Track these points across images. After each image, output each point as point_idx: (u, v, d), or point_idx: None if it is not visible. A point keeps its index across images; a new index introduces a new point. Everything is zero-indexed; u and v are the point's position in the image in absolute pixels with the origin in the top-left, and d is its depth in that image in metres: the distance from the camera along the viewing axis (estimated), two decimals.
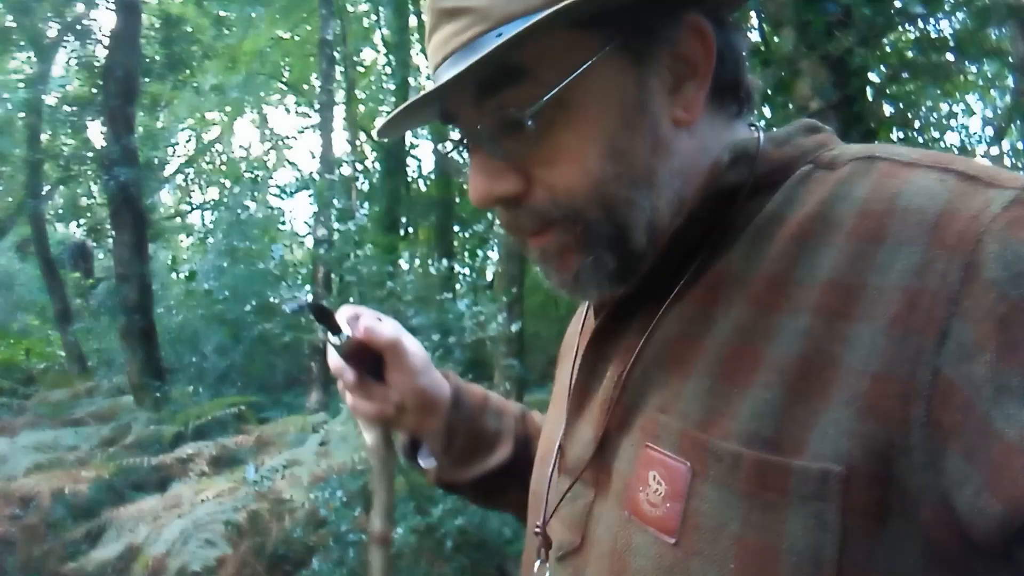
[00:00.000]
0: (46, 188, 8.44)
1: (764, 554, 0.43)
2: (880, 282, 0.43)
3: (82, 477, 3.04)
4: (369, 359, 0.73)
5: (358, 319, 0.74)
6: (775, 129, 0.57)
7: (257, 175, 9.14)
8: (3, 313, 9.65)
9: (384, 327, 0.73)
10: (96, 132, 7.48)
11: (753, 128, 0.58)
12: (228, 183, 9.45)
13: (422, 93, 0.51)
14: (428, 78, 0.54)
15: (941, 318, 0.40)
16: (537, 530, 0.61)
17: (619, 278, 0.54)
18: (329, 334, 0.71)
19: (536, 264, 0.58)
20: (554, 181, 0.52)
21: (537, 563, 0.61)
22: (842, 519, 0.41)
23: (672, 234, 0.53)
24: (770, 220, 0.51)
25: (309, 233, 7.30)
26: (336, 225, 5.88)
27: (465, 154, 0.59)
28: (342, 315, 0.73)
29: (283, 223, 8.01)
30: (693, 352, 0.50)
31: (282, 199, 7.07)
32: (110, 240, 6.98)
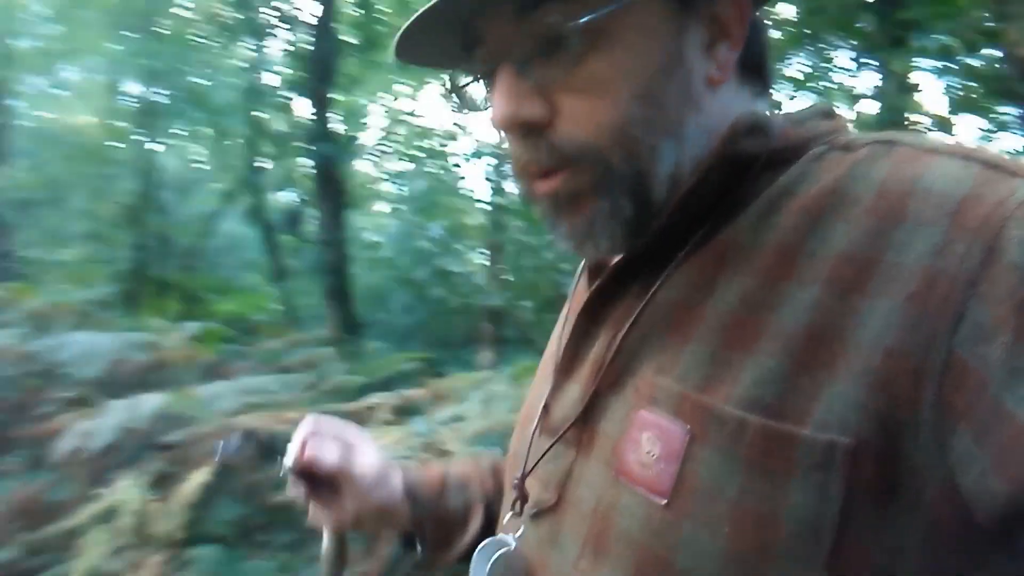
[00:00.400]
0: (263, 162, 9.54)
1: (761, 521, 0.43)
2: (897, 259, 0.43)
3: (286, 418, 3.49)
4: (322, 476, 0.75)
5: (315, 435, 0.75)
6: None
7: (440, 145, 9.64)
8: (231, 271, 11.11)
9: (328, 453, 0.73)
10: (302, 111, 8.32)
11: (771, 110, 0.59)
12: (416, 153, 10.05)
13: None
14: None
15: (958, 299, 0.40)
16: (515, 482, 0.60)
17: (633, 229, 0.53)
18: (280, 458, 0.73)
19: (543, 214, 0.57)
20: (582, 113, 0.51)
21: (509, 514, 0.61)
22: (845, 491, 0.41)
23: (683, 195, 0.52)
24: (782, 193, 0.51)
25: (483, 201, 7.62)
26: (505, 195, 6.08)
27: (479, 89, 0.58)
28: (300, 432, 0.75)
29: (463, 191, 8.39)
30: (694, 318, 0.50)
31: (460, 167, 7.40)
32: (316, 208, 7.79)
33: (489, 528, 0.83)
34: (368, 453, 0.78)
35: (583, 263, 0.70)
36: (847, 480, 0.41)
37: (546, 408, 0.62)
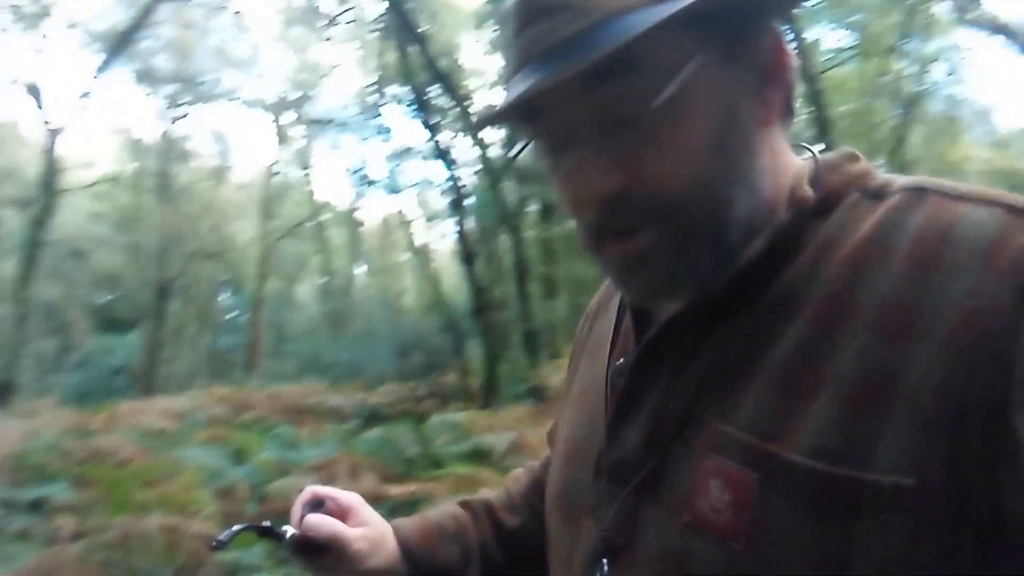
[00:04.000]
0: None
1: (837, 561, 0.44)
2: (936, 304, 0.45)
3: None
4: (320, 546, 0.77)
5: (314, 505, 0.79)
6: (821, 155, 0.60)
7: None
8: None
9: (324, 523, 0.76)
10: None
11: (804, 150, 0.61)
12: None
13: (526, 88, 0.50)
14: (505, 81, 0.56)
15: (994, 340, 0.43)
16: (604, 533, 0.59)
17: (712, 278, 0.55)
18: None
19: (613, 273, 0.58)
20: (661, 174, 0.52)
21: (604, 563, 0.58)
22: (912, 530, 0.43)
23: (761, 248, 0.54)
24: (827, 243, 0.53)
25: None
26: None
27: (537, 156, 0.58)
28: (300, 500, 0.80)
29: None
30: (754, 367, 0.52)
31: None
32: None
33: (490, 570, 0.86)
34: (365, 517, 0.81)
35: (614, 299, 0.73)
36: (914, 520, 0.43)
37: (599, 452, 0.63)
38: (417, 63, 10.88)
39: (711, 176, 0.53)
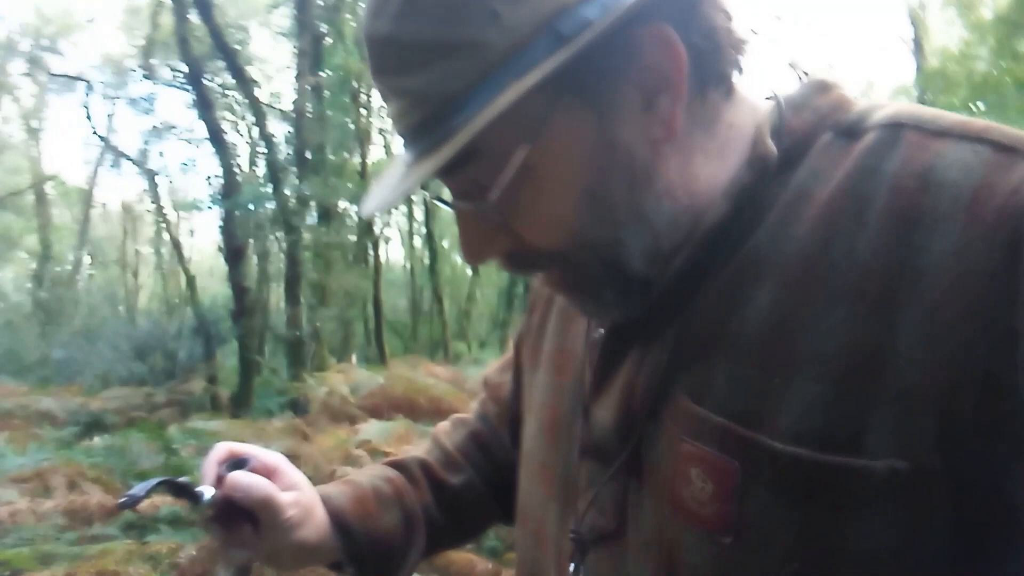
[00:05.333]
0: None
1: (828, 553, 0.43)
2: (918, 263, 0.42)
3: None
4: (241, 509, 0.66)
5: (232, 463, 0.68)
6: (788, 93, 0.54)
7: None
8: None
9: (254, 484, 0.65)
10: None
11: (768, 97, 0.55)
12: None
13: (390, 188, 0.52)
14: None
15: (987, 304, 0.39)
16: (596, 518, 0.57)
17: (627, 305, 0.54)
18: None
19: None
20: (535, 237, 0.51)
21: (591, 548, 0.57)
22: (907, 515, 0.41)
23: (707, 230, 0.51)
24: (797, 197, 0.49)
25: None
26: None
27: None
28: (214, 458, 0.68)
29: None
30: (724, 338, 0.49)
31: None
32: None
33: (434, 534, 0.79)
34: (294, 480, 0.70)
35: None
36: (910, 506, 0.41)
37: (578, 430, 0.60)
38: (197, 33, 9.81)
39: (589, 227, 0.50)
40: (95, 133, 16.25)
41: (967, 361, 0.39)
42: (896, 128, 0.47)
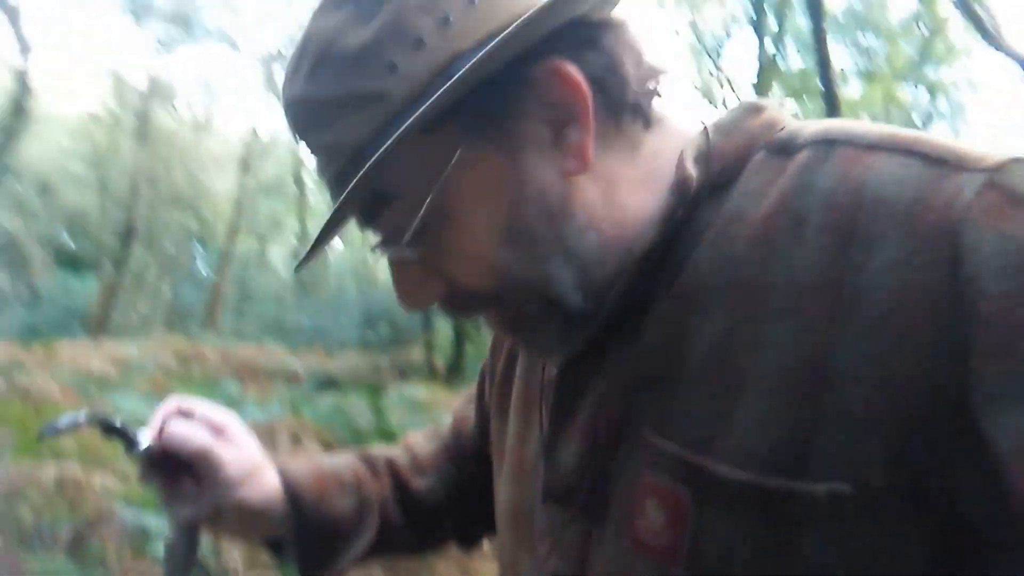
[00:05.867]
0: None
1: None
2: (857, 281, 0.41)
3: None
4: (182, 462, 0.65)
5: (178, 415, 0.67)
6: (718, 118, 0.54)
7: None
8: None
9: (193, 434, 0.65)
10: None
11: (699, 123, 0.54)
12: None
13: (312, 241, 0.53)
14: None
15: (931, 320, 0.38)
16: (558, 562, 0.56)
17: (568, 340, 0.54)
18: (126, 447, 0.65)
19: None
20: (464, 279, 0.52)
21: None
22: (859, 536, 0.40)
23: (637, 260, 0.51)
24: (732, 219, 0.49)
25: None
26: None
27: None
28: (160, 411, 0.67)
29: None
30: (675, 368, 0.48)
31: None
32: None
33: (385, 532, 0.78)
34: (240, 440, 0.70)
35: None
36: (857, 527, 0.40)
37: (541, 471, 0.59)
38: None
39: (514, 266, 0.50)
40: None
41: (913, 378, 0.38)
42: (828, 144, 0.47)
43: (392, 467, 0.83)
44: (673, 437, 0.47)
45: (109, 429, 0.64)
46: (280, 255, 26.68)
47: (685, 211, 0.50)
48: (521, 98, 0.49)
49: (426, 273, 0.53)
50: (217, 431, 0.69)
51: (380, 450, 0.86)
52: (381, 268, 22.36)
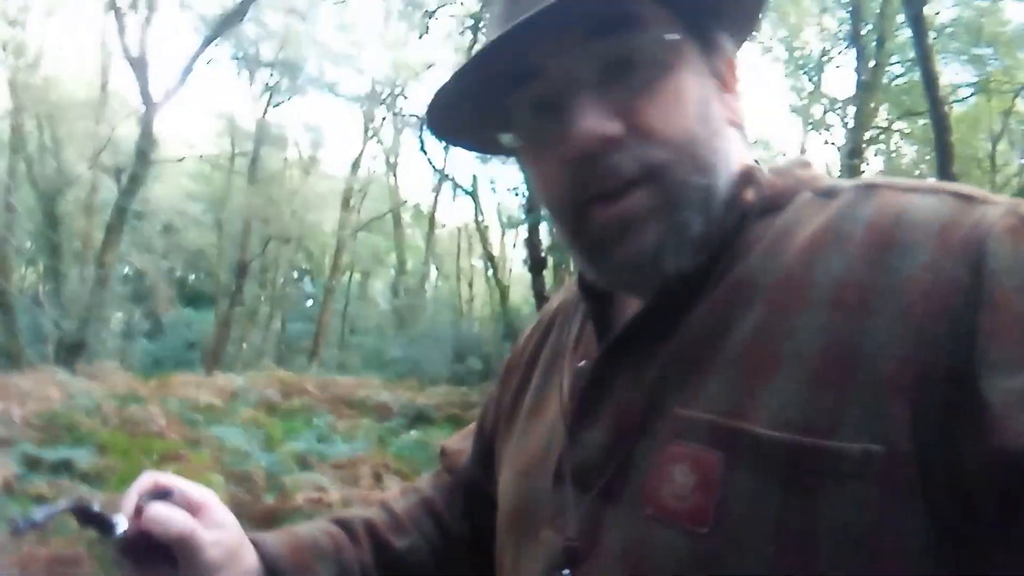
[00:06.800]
0: None
1: (803, 536, 0.44)
2: (892, 280, 0.46)
3: None
4: (158, 545, 0.62)
5: (155, 495, 0.64)
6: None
7: None
8: None
9: (172, 518, 0.62)
10: None
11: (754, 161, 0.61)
12: None
13: (534, 12, 0.50)
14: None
15: (954, 312, 0.43)
16: (566, 541, 0.57)
17: (696, 249, 0.55)
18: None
19: (593, 248, 0.57)
20: (657, 126, 0.53)
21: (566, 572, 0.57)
22: (880, 497, 0.42)
23: (700, 246, 0.55)
24: (781, 235, 0.54)
25: None
26: None
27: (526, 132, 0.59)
28: (134, 491, 0.64)
29: None
30: (714, 353, 0.52)
31: None
32: None
33: None
34: (220, 519, 0.68)
35: (574, 312, 0.72)
36: (881, 486, 0.42)
37: (559, 458, 0.61)
38: None
39: (698, 139, 0.54)
40: (430, 164, 18.67)
41: (935, 356, 0.43)
42: (870, 187, 0.53)
43: (371, 529, 0.81)
44: (706, 409, 0.50)
45: (86, 517, 0.62)
46: (381, 288, 27.58)
47: (737, 227, 0.56)
48: (718, 53, 0.59)
49: (613, 110, 0.53)
50: (195, 509, 0.67)
51: (357, 512, 0.84)
52: (475, 303, 22.78)
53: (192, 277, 25.10)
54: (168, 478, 0.67)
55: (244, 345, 20.65)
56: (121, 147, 16.79)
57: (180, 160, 18.38)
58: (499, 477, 0.73)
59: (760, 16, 0.63)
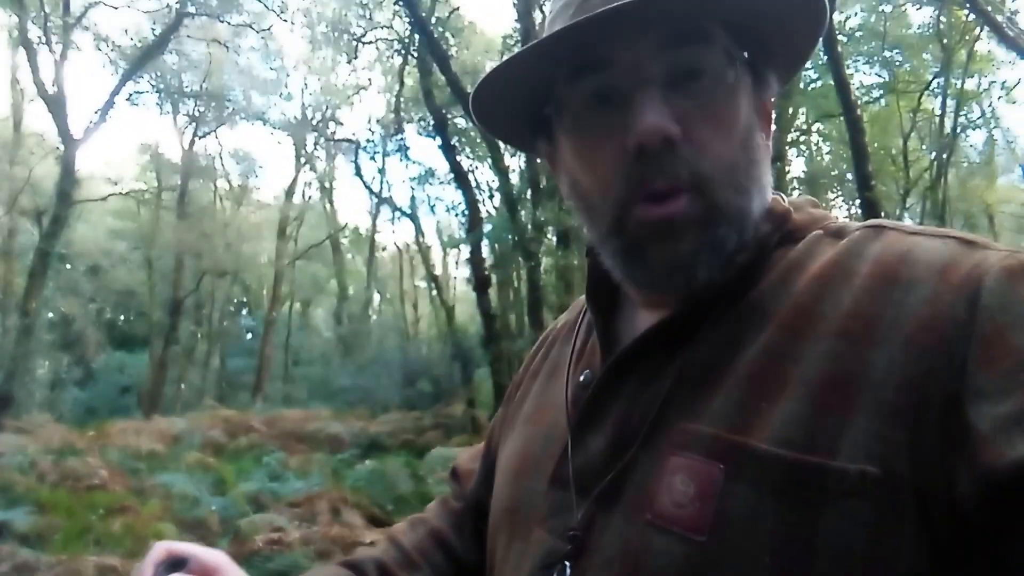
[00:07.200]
0: None
1: (798, 549, 0.45)
2: (895, 313, 0.49)
3: None
4: None
5: (171, 564, 0.65)
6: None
7: None
8: None
9: None
10: None
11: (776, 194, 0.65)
12: None
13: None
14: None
15: (950, 343, 0.46)
16: (557, 541, 0.58)
17: (727, 263, 0.56)
18: None
19: (633, 248, 0.58)
20: (708, 140, 0.55)
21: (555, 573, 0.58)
22: (876, 517, 0.44)
23: (734, 272, 0.57)
24: (793, 266, 0.57)
25: None
26: None
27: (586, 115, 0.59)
28: (151, 559, 0.65)
29: None
30: (722, 373, 0.54)
31: None
32: None
33: None
34: None
35: (578, 324, 0.74)
36: (877, 509, 0.44)
37: (557, 462, 0.62)
38: (438, 84, 10.66)
39: (741, 163, 0.57)
40: (367, 187, 18.51)
41: (931, 385, 0.45)
42: (878, 228, 0.57)
43: (381, 568, 0.80)
44: (710, 424, 0.52)
45: None
46: (323, 317, 27.08)
47: (758, 253, 0.58)
48: (763, 90, 0.62)
49: (676, 115, 0.55)
50: (211, 574, 0.67)
51: (366, 552, 0.83)
52: (421, 324, 22.58)
53: (122, 318, 24.12)
54: (181, 546, 0.68)
55: (183, 386, 19.94)
56: (40, 188, 16.10)
57: (104, 199, 17.72)
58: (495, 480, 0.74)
59: (806, 62, 0.66)
